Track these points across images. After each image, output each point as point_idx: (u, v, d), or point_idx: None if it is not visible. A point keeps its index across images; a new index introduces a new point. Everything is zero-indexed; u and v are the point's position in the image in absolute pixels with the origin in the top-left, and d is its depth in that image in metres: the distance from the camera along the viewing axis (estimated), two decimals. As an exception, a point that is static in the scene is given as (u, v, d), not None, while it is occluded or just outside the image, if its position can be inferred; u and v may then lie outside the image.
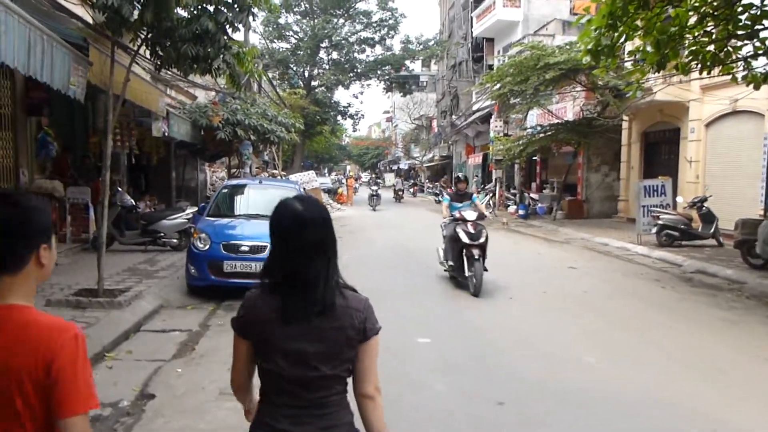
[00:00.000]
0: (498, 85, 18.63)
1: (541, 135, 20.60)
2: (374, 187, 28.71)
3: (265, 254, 7.67)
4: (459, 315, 7.60)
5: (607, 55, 9.24)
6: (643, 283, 9.98)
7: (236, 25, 7.25)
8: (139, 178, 15.60)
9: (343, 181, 41.60)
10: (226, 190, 9.52)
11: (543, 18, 29.53)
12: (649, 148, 20.44)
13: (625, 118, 19.93)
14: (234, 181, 9.49)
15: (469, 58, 35.60)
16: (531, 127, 22.08)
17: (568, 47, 17.67)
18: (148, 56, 7.57)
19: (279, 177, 21.79)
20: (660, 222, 13.65)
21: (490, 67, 33.81)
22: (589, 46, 9.06)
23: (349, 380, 1.90)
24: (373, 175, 25.88)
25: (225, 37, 7.00)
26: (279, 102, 27.73)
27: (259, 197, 9.09)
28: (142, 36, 7.07)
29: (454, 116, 39.38)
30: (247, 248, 7.77)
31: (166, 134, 11.79)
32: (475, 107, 33.83)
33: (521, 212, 22.80)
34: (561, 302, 8.36)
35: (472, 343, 6.31)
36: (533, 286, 9.49)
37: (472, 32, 34.61)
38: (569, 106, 22.86)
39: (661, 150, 19.87)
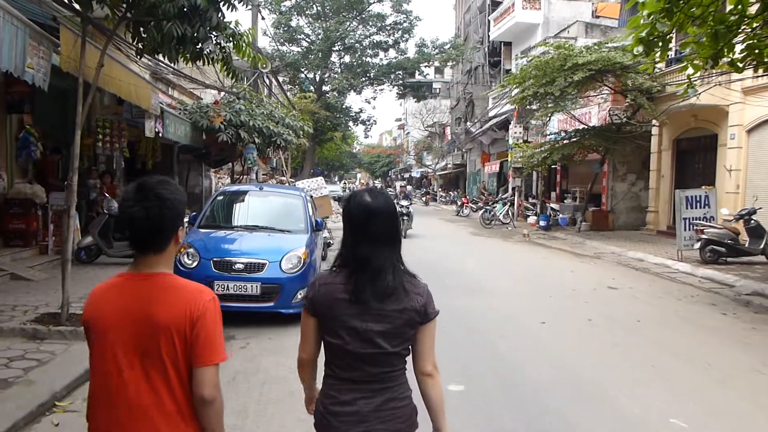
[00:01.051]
0: (520, 88, 17.38)
1: (566, 141, 19.32)
2: (404, 203, 19.29)
3: (265, 273, 6.52)
4: (493, 346, 6.38)
5: (661, 47, 8.01)
6: (699, 308, 8.69)
7: (233, 1, 6.12)
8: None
9: (355, 188, 40.52)
10: (221, 198, 8.29)
11: (564, 21, 28.35)
12: (681, 156, 19.12)
13: (655, 123, 18.65)
14: (232, 187, 8.33)
15: (485, 62, 34.45)
16: (554, 133, 20.80)
17: (596, 47, 16.45)
18: (130, 40, 6.42)
19: (287, 184, 20.72)
20: (704, 236, 12.36)
21: (508, 71, 32.65)
22: (642, 34, 7.82)
23: (409, 359, 2.08)
24: (401, 184, 20.50)
25: (218, 15, 5.85)
26: (288, 105, 26.72)
27: (260, 206, 7.94)
28: (120, 14, 5.94)
29: (468, 123, 38.17)
30: (242, 266, 6.60)
31: (160, 134, 10.68)
32: (491, 113, 32.61)
33: (542, 223, 21.51)
34: (612, 333, 7.11)
35: (511, 391, 5.08)
36: (574, 311, 8.23)
37: (489, 36, 33.47)
38: (594, 111, 21.63)
39: (695, 158, 18.54)
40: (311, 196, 12.14)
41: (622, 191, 21.85)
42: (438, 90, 67.88)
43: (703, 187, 14.44)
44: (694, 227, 12.70)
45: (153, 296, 1.85)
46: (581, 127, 19.60)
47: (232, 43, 6.30)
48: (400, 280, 2.02)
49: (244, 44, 6.37)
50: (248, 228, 7.50)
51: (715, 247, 12.28)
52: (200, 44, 5.87)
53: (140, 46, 6.19)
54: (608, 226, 21.26)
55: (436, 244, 16.35)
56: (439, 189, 50.70)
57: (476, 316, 7.70)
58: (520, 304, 8.57)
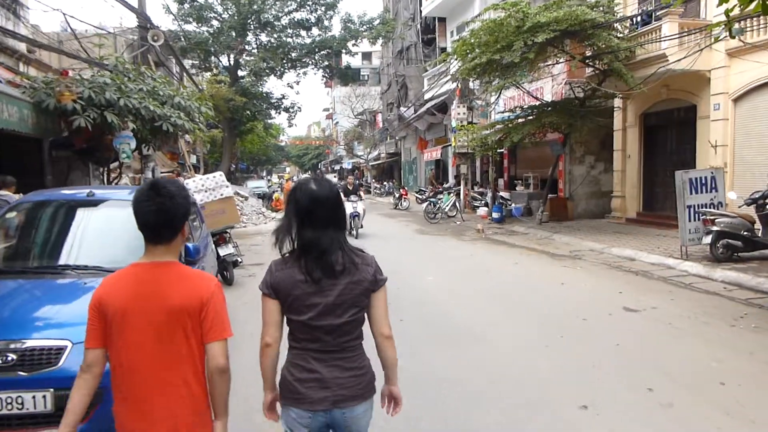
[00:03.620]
0: (469, 57, 14.44)
1: (521, 120, 16.64)
2: (354, 199, 15.87)
3: (62, 365, 3.27)
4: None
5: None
6: (772, 340, 6.01)
7: None
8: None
9: (282, 184, 36.85)
10: (13, 215, 4.61)
11: (503, -9, 25.80)
12: (649, 132, 16.83)
13: (618, 95, 16.26)
14: (39, 196, 4.82)
15: (418, 41, 31.56)
16: (507, 111, 18.07)
17: (555, 5, 13.68)
18: None
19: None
20: (715, 228, 9.87)
21: (443, 50, 29.90)
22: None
23: (365, 329, 2.30)
24: (349, 178, 17.88)
25: None
26: (194, 91, 22.84)
27: (81, 228, 4.47)
28: None
29: (402, 108, 35.25)
30: (13, 358, 3.23)
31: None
32: (427, 96, 29.80)
33: (495, 215, 18.84)
34: (707, 420, 4.23)
35: None
36: (613, 368, 5.32)
37: (421, 11, 30.59)
38: (547, 86, 19.12)
39: (667, 134, 16.26)
40: (203, 203, 8.73)
41: (580, 175, 19.48)
42: (366, 77, 64.70)
43: (710, 166, 12.00)
44: (702, 216, 10.18)
45: (166, 282, 2.12)
46: (537, 103, 16.97)
47: None
48: (350, 258, 2.24)
49: None
50: (51, 271, 4.10)
51: (730, 240, 9.81)
52: None
53: None
54: (567, 216, 18.85)
55: (381, 249, 13.28)
56: (373, 180, 47.57)
57: (472, 404, 4.63)
58: (529, 359, 5.58)
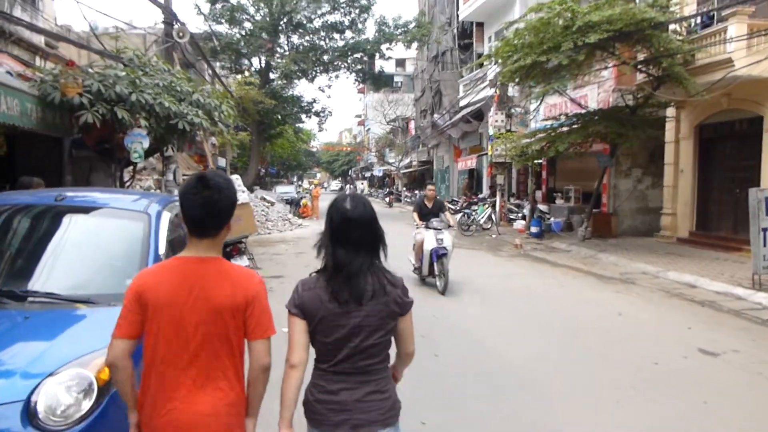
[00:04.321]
0: (513, 58, 13.34)
1: (564, 129, 15.46)
2: (437, 225, 9.40)
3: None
4: None
5: None
6: None
7: None
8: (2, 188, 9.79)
9: (311, 189, 36.12)
10: None
11: (545, -6, 24.62)
12: (705, 145, 15.48)
13: (672, 105, 14.97)
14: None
15: (454, 45, 30.52)
16: (552, 119, 16.89)
17: (607, 2, 12.49)
18: None
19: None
20: (797, 255, 8.61)
21: (480, 55, 28.83)
22: None
23: (391, 352, 2.25)
24: (429, 187, 13.09)
25: None
26: (224, 92, 22.21)
27: (34, 244, 3.54)
28: None
29: (436, 115, 34.22)
30: None
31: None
32: (463, 102, 28.72)
33: (534, 229, 17.62)
34: None
35: None
36: (694, 425, 4.22)
37: (458, 15, 29.56)
38: (591, 92, 17.91)
39: (726, 148, 14.90)
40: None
41: (626, 189, 18.16)
42: (400, 83, 63.88)
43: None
44: (781, 241, 8.92)
45: (210, 278, 2.06)
46: (583, 111, 15.78)
47: None
48: (379, 281, 2.17)
49: None
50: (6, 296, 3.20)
51: (814, 270, 8.55)
52: None
53: None
54: (611, 232, 17.57)
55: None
56: (404, 188, 46.55)
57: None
58: (596, 420, 4.50)
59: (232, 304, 2.05)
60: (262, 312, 2.09)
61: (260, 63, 28.99)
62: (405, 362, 2.39)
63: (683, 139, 15.90)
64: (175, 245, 3.68)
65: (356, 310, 2.12)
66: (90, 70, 9.02)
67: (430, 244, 9.10)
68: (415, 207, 10.34)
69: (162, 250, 3.62)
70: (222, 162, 36.87)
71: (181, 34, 15.41)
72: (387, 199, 41.24)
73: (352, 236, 2.14)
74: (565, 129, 15.41)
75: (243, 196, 8.36)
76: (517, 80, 14.84)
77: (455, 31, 30.44)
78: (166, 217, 3.87)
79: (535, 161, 18.17)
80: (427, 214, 9.73)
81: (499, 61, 14.80)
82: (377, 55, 28.62)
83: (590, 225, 16.10)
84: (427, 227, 9.41)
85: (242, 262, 8.25)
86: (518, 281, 10.58)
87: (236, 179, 8.95)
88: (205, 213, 2.05)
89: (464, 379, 5.24)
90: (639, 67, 13.80)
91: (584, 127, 14.31)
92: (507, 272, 11.52)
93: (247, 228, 8.27)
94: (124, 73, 9.05)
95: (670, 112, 15.71)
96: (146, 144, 9.62)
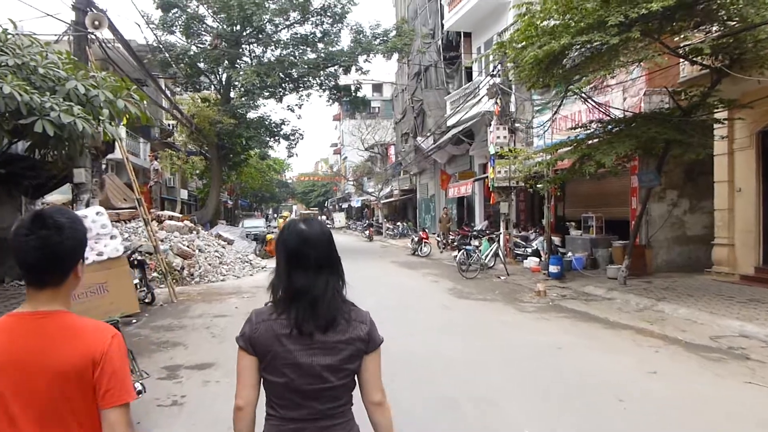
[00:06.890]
0: (539, 42, 9.90)
1: (594, 140, 12.05)
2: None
3: None
4: None
5: None
6: None
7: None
8: None
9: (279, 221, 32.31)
10: None
11: (541, -3, 21.61)
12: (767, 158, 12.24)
13: (729, 106, 11.70)
14: None
15: (439, 59, 27.36)
16: (579, 127, 13.37)
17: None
18: None
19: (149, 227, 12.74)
20: None
21: (468, 69, 25.73)
22: None
23: (355, 392, 1.94)
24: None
25: None
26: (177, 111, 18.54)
27: None
28: None
29: (419, 138, 30.91)
30: None
31: None
32: (450, 122, 25.43)
33: (553, 269, 14.08)
34: None
35: None
36: None
37: (442, 25, 26.49)
38: (617, 98, 14.64)
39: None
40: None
41: (660, 215, 14.80)
42: (377, 109, 60.88)
43: None
44: None
45: (49, 338, 1.65)
46: (622, 115, 12.42)
47: None
48: (342, 309, 1.91)
49: None
50: None
51: None
52: None
53: None
54: (647, 269, 14.16)
55: (407, 327, 8.56)
56: (384, 220, 42.93)
57: None
58: None
59: (77, 367, 1.60)
60: (113, 373, 1.62)
61: (219, 77, 25.38)
62: (377, 417, 1.93)
63: (739, 150, 12.61)
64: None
65: (316, 346, 1.83)
66: None
67: None
68: None
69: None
70: (184, 194, 33.00)
71: (96, 22, 11.91)
72: (367, 232, 37.46)
73: (311, 256, 1.86)
74: (595, 140, 11.99)
75: (112, 244, 4.61)
76: (534, 79, 11.40)
77: (440, 42, 27.33)
78: None
79: (560, 182, 14.69)
80: None
81: (512, 55, 11.40)
82: (353, 68, 25.18)
83: (630, 263, 12.54)
84: None
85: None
86: (569, 360, 6.91)
87: (98, 214, 5.22)
88: (43, 257, 1.62)
89: None
90: (691, 57, 10.54)
91: (630, 135, 10.85)
92: (545, 342, 7.83)
93: (119, 303, 4.47)
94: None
95: (720, 115, 12.44)
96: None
